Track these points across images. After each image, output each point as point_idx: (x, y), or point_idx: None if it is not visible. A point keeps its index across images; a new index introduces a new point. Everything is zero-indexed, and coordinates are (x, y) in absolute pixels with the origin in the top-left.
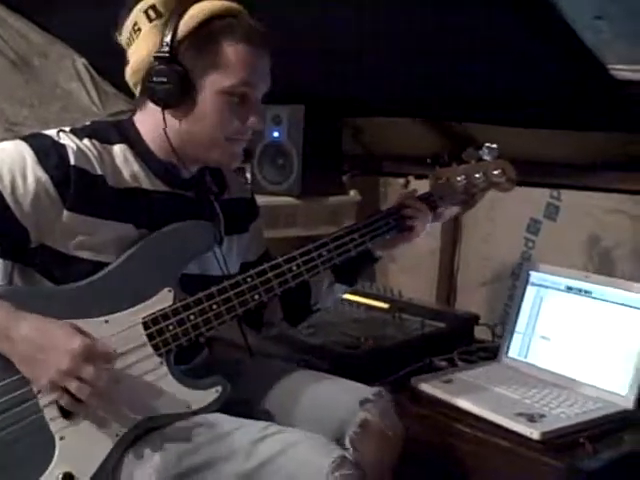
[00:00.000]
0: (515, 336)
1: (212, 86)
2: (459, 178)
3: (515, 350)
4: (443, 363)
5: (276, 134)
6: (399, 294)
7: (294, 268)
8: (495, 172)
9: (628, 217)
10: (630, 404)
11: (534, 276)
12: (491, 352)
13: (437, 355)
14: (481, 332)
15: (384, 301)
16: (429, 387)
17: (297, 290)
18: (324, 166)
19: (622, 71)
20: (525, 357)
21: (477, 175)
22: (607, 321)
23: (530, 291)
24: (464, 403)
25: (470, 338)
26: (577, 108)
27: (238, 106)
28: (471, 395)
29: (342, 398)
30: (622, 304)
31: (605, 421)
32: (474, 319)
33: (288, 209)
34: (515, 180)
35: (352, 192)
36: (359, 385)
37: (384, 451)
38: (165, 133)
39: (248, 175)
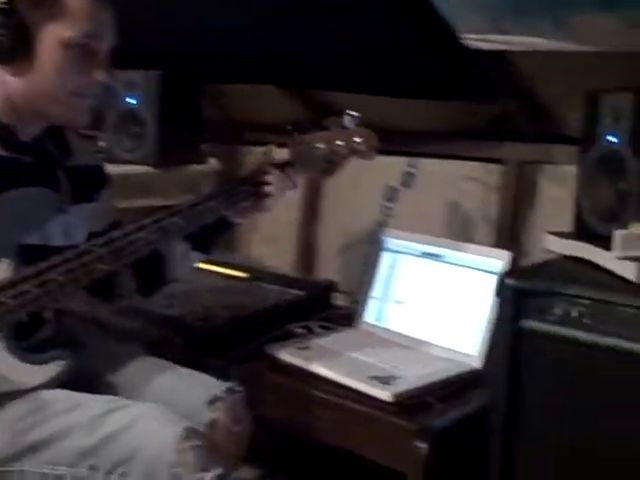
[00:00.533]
0: (371, 302)
1: (52, 38)
2: (320, 145)
3: (371, 315)
4: (300, 330)
5: (131, 101)
6: (258, 263)
7: (144, 236)
8: (356, 140)
9: (481, 184)
10: (478, 364)
11: (389, 242)
12: (348, 318)
13: (295, 322)
14: (340, 299)
15: (243, 270)
16: (285, 354)
17: (150, 259)
18: (182, 134)
19: (475, 41)
20: (380, 322)
21: (338, 142)
22: (459, 285)
23: (385, 257)
24: (320, 369)
25: (328, 305)
26: (432, 77)
27: (81, 59)
28: (327, 361)
29: (190, 395)
30: (473, 268)
31: (455, 380)
32: (332, 286)
33: (144, 178)
34: (376, 148)
35: (212, 161)
36: (210, 380)
37: (232, 448)
38: (2, 91)
39: (102, 143)
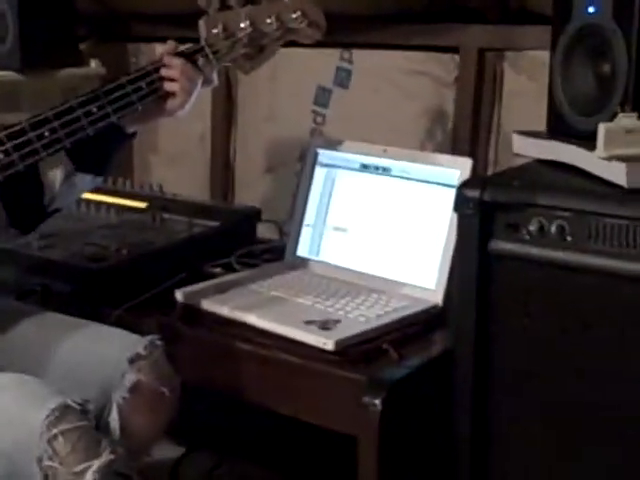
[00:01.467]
0: (304, 230)
1: None
2: (243, 25)
3: (305, 247)
4: (218, 270)
5: None
6: (160, 190)
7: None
8: (293, 15)
9: (433, 79)
10: (439, 299)
11: (323, 155)
12: (277, 253)
13: (211, 260)
14: (266, 230)
15: (142, 200)
16: (200, 300)
17: (24, 186)
18: (52, 30)
19: None
20: (317, 255)
21: (268, 20)
22: (410, 203)
23: (319, 174)
24: (244, 315)
25: (252, 238)
26: None
27: None
28: (252, 305)
29: (106, 355)
30: (427, 181)
31: (412, 321)
32: (255, 215)
33: (8, 87)
34: (322, 25)
35: (93, 63)
36: (127, 335)
37: (158, 414)
38: None
39: None
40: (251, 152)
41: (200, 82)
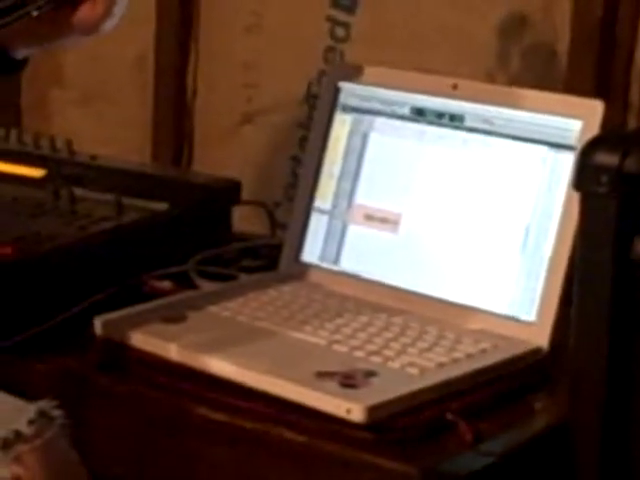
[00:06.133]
0: (314, 220)
1: None
2: None
3: (315, 249)
4: (165, 284)
5: None
6: (69, 148)
7: None
8: None
9: None
10: (543, 339)
11: (348, 93)
12: (267, 257)
13: (155, 269)
14: (248, 219)
15: (37, 164)
16: (132, 333)
17: None
18: None
19: None
20: (335, 261)
21: None
22: (497, 176)
23: (342, 124)
24: (207, 361)
25: (224, 232)
26: None
27: None
28: (221, 343)
29: None
30: (525, 139)
31: (496, 376)
32: (231, 192)
33: None
34: None
35: None
36: (7, 402)
37: None
38: None
39: None
40: (221, 87)
41: None
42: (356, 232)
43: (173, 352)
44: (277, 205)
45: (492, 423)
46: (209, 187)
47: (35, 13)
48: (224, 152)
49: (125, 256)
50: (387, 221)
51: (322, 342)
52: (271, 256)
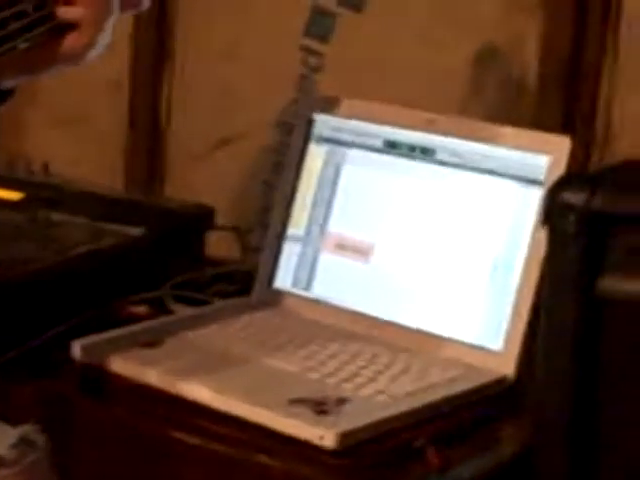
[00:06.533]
0: (287, 247)
1: None
2: None
3: (287, 275)
4: (141, 309)
5: None
6: (45, 171)
7: None
8: None
9: None
10: (509, 368)
11: (322, 123)
12: (240, 282)
13: (130, 293)
14: (220, 243)
15: (14, 187)
16: (111, 358)
17: None
18: None
19: None
20: (307, 288)
21: None
22: (466, 209)
23: (315, 155)
24: (186, 386)
25: (197, 256)
26: None
27: None
28: (198, 369)
29: None
30: (494, 173)
31: (464, 403)
32: (204, 217)
33: None
34: None
35: None
36: None
37: None
38: None
39: None
40: (195, 112)
41: (117, 4)
42: (328, 260)
43: (151, 377)
44: (250, 230)
45: (459, 450)
46: (183, 213)
47: (23, 46)
48: (197, 176)
49: (101, 281)
50: (359, 250)
51: (295, 369)
52: (244, 281)
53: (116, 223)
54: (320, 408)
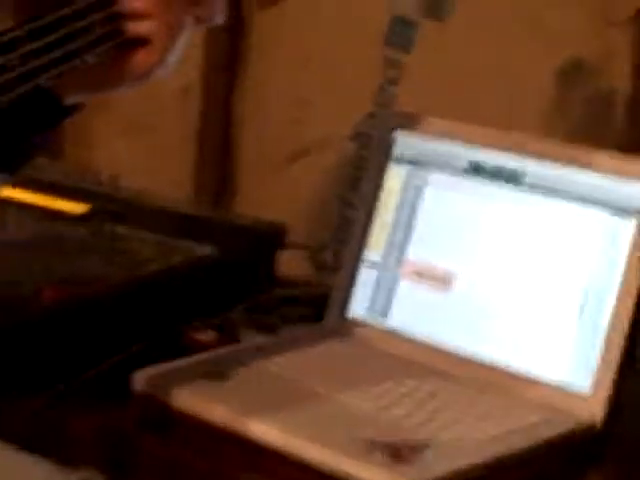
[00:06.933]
0: (363, 273)
1: None
2: None
3: (362, 303)
4: (208, 335)
5: None
6: (114, 183)
7: None
8: None
9: (590, 12)
10: (597, 413)
11: (403, 142)
12: (313, 305)
13: (197, 316)
14: (292, 262)
15: (81, 199)
16: (180, 394)
17: None
18: None
19: None
20: (384, 317)
21: None
22: (557, 239)
23: (395, 175)
24: (258, 427)
25: (268, 276)
26: None
27: None
28: (271, 408)
29: None
30: (590, 203)
31: (548, 451)
32: (277, 236)
33: None
34: None
35: None
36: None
37: None
38: None
39: None
40: (268, 123)
41: (190, 19)
42: (406, 288)
43: (217, 414)
44: (323, 247)
45: None
46: (254, 231)
47: (90, 61)
48: (269, 189)
49: (168, 302)
50: (439, 279)
51: (369, 408)
52: (317, 304)
53: (184, 239)
54: (396, 453)
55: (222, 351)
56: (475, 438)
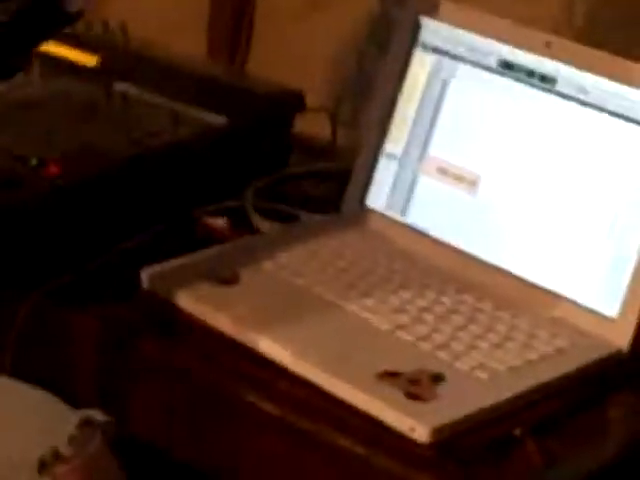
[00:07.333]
0: (383, 163)
1: None
2: None
3: (381, 195)
4: (221, 223)
5: None
6: (122, 30)
7: None
8: None
9: None
10: (624, 338)
11: (430, 29)
12: (332, 185)
13: (210, 193)
14: (309, 124)
15: (91, 49)
16: (188, 298)
17: None
18: None
19: None
20: (403, 212)
21: None
22: (586, 151)
23: (420, 63)
24: (266, 343)
25: (283, 150)
26: None
27: None
28: (281, 321)
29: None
30: (627, 118)
31: (572, 382)
32: (295, 104)
33: None
34: None
35: None
36: (49, 407)
37: None
38: None
39: None
40: None
41: None
42: (427, 185)
43: (224, 324)
44: (340, 101)
45: (565, 440)
46: (271, 98)
47: None
48: (286, 38)
49: (180, 178)
50: (463, 179)
51: (385, 326)
52: (336, 185)
53: (196, 106)
54: (412, 390)
55: (232, 247)
56: (494, 369)
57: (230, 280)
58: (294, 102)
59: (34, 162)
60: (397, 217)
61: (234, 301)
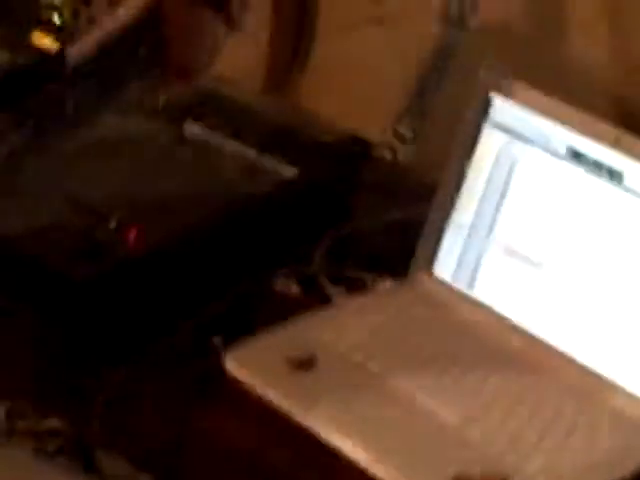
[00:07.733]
0: (451, 234)
1: None
2: None
3: (448, 266)
4: (293, 289)
5: None
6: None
7: None
8: None
9: None
10: None
11: (501, 108)
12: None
13: (279, 251)
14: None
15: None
16: (267, 387)
17: None
18: None
19: None
20: (469, 287)
21: None
22: None
23: (489, 141)
24: (343, 444)
25: (351, 200)
26: None
27: None
28: (355, 417)
29: None
30: None
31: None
32: (360, 150)
33: None
34: None
35: None
36: None
37: None
38: None
39: None
40: None
41: None
42: (494, 261)
43: (300, 418)
44: (399, 118)
45: None
46: (340, 148)
47: None
48: (344, 52)
49: (255, 237)
50: (529, 261)
51: (454, 419)
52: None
53: (268, 155)
54: None
55: (307, 324)
56: (557, 474)
57: (307, 363)
58: (361, 151)
59: (113, 225)
60: (463, 289)
61: (310, 392)
